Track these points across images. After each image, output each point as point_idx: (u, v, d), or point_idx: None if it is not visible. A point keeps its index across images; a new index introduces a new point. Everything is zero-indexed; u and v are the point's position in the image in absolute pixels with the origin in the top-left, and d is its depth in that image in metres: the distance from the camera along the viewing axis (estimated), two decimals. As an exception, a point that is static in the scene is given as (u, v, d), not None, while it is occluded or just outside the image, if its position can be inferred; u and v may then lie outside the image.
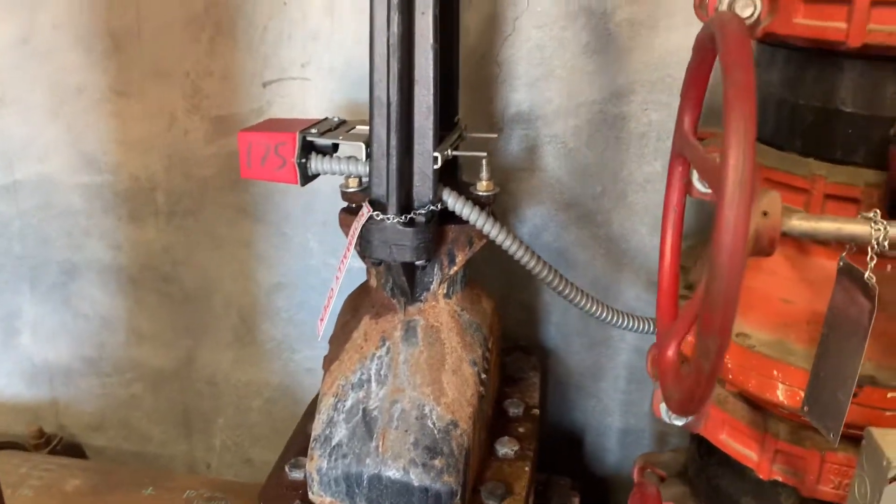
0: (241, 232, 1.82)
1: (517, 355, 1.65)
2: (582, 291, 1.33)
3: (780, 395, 1.05)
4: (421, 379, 1.24)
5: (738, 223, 0.66)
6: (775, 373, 1.05)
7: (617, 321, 1.38)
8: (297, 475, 1.31)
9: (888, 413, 0.99)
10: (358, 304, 1.35)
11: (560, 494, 1.52)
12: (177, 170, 1.78)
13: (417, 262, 1.19)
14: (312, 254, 1.80)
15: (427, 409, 1.22)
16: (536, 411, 1.50)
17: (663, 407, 1.25)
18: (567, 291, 1.31)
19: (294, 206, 1.76)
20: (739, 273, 0.67)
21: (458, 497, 1.18)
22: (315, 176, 1.26)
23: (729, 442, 1.20)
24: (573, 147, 1.60)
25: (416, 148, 1.16)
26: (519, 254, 1.25)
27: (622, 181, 1.61)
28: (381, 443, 1.20)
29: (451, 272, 1.28)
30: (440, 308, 1.29)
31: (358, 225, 1.16)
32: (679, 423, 1.23)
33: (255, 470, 2.05)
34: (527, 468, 1.34)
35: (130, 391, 2.03)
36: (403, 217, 1.15)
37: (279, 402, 1.97)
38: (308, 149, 1.22)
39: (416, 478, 1.17)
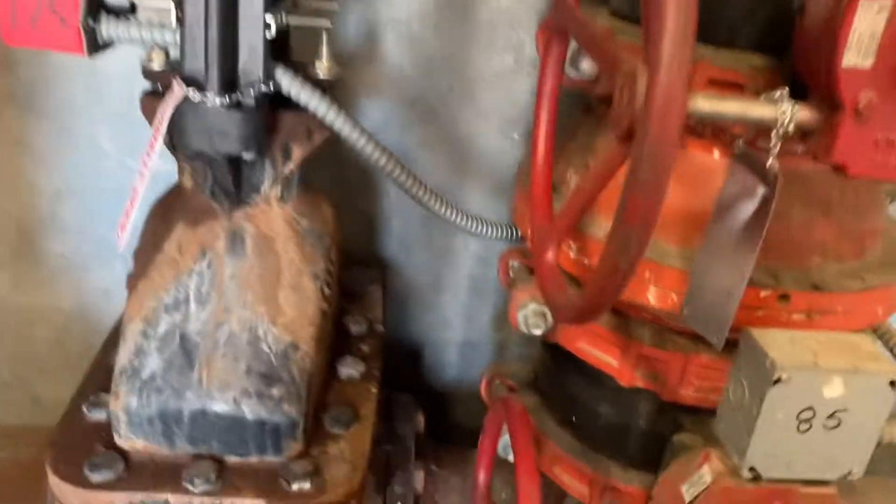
0: (9, 126, 1.47)
1: (356, 269, 1.49)
2: (432, 191, 1.19)
3: (652, 298, 0.98)
4: (252, 296, 1.05)
5: (676, 93, 0.54)
6: (647, 274, 0.97)
7: (466, 223, 1.26)
8: (98, 415, 1.09)
9: (760, 313, 0.95)
10: (169, 210, 1.12)
11: (404, 412, 1.41)
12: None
13: (245, 156, 0.98)
14: (105, 153, 1.51)
15: (261, 331, 1.03)
16: (380, 328, 1.36)
17: (523, 315, 1.15)
18: (416, 190, 1.16)
19: (79, 92, 1.45)
20: (673, 153, 0.55)
21: (300, 428, 1.03)
22: (107, 45, 0.99)
23: (588, 349, 1.13)
24: (418, 35, 1.42)
25: (242, 11, 0.93)
26: (366, 148, 1.08)
27: (470, 77, 1.46)
28: (204, 373, 1.01)
29: (287, 171, 1.08)
30: (273, 214, 1.10)
31: (167, 108, 0.93)
32: (538, 331, 1.15)
33: (45, 410, 1.75)
34: (373, 389, 1.20)
35: None
36: (227, 97, 0.93)
37: (71, 331, 1.68)
38: (97, 7, 0.95)
39: (250, 410, 1.00)
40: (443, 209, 1.21)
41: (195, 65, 0.94)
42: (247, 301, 1.04)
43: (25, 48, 0.98)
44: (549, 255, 0.83)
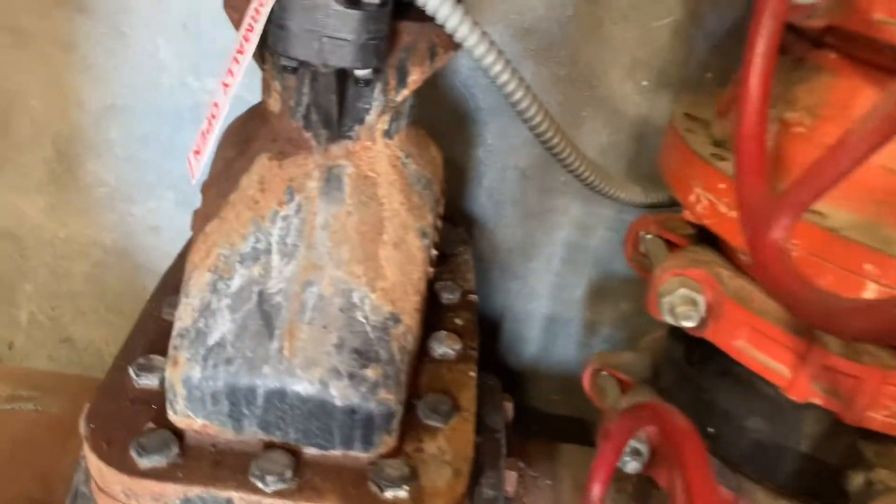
0: (57, 26, 1.26)
1: (444, 226, 1.27)
2: (571, 142, 0.97)
3: (870, 297, 0.76)
4: (349, 253, 0.84)
5: None
6: (868, 267, 0.75)
7: (607, 187, 1.04)
8: (148, 382, 0.89)
9: None
10: (248, 138, 0.91)
11: (492, 399, 1.20)
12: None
13: (359, 72, 0.76)
14: (164, 67, 1.29)
15: (356, 297, 0.83)
16: (474, 297, 1.15)
17: (668, 302, 0.94)
18: (553, 137, 0.94)
19: (139, -7, 1.23)
20: None
21: (397, 419, 0.83)
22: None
23: (749, 351, 0.91)
24: (542, -51, 1.19)
25: None
26: (502, 77, 0.85)
27: (600, 4, 1.22)
28: (286, 343, 0.80)
29: (399, 98, 0.86)
30: (377, 151, 0.88)
31: (266, 1, 0.70)
32: (688, 323, 0.94)
33: (78, 352, 1.58)
34: (471, 373, 1.00)
35: None
36: (346, -9, 0.70)
37: (112, 269, 1.49)
38: None
39: (340, 394, 0.80)
40: (580, 165, 0.98)
41: (306, -54, 0.72)
42: (342, 258, 0.83)
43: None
44: (777, 234, 0.62)
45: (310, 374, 0.80)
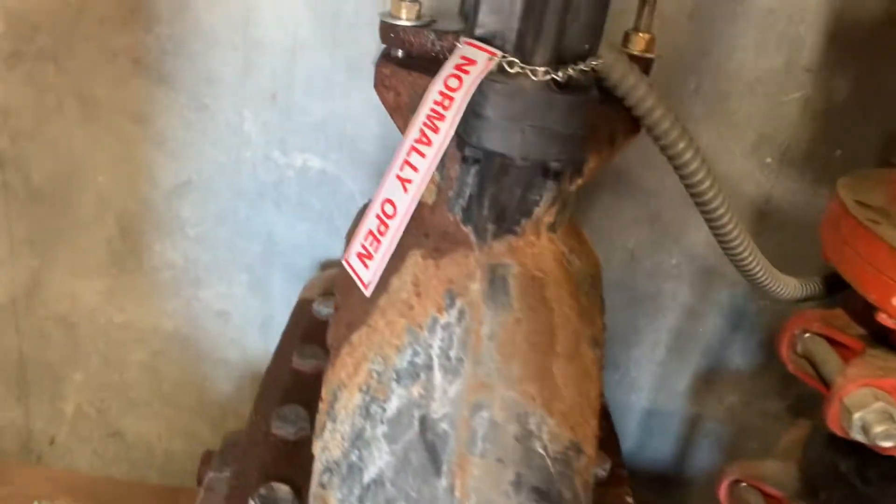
0: (131, 95, 1.16)
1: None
2: (743, 231, 0.86)
3: None
4: (520, 369, 0.71)
5: None
6: None
7: (778, 288, 0.93)
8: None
9: None
10: (391, 229, 0.79)
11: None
12: (29, -18, 1.08)
13: (555, 164, 0.65)
14: (247, 141, 1.19)
15: (533, 423, 0.70)
16: (605, 400, 1.03)
17: (860, 418, 0.82)
18: (730, 227, 0.83)
19: (225, 61, 1.13)
20: None
21: (581, 571, 0.69)
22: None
23: (962, 476, 0.80)
24: (669, 17, 1.10)
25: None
26: (691, 164, 0.75)
27: (724, 78, 1.13)
28: (457, 481, 0.67)
29: (573, 188, 0.75)
30: (542, 247, 0.76)
31: (473, 78, 0.60)
32: (887, 443, 0.82)
33: (126, 448, 1.43)
34: (629, 498, 0.87)
35: (-72, 330, 1.33)
36: (559, 74, 0.60)
37: (171, 357, 1.36)
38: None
39: (520, 544, 0.67)
40: (752, 259, 0.87)
41: (503, 21, 0.62)
42: (513, 375, 0.71)
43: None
44: None
45: (486, 518, 0.67)
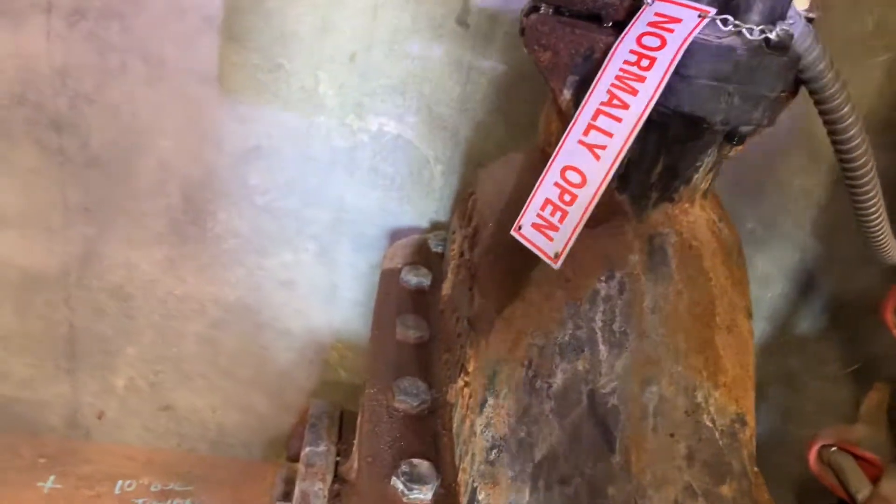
0: (202, 56, 1.09)
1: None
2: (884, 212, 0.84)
3: None
4: (685, 342, 0.69)
5: None
6: None
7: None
8: (419, 496, 0.73)
9: None
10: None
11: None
12: (95, -68, 1.01)
13: (745, 128, 0.62)
14: (322, 104, 1.13)
15: (700, 396, 0.69)
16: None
17: None
18: (875, 208, 0.81)
19: (302, 19, 1.07)
20: None
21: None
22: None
23: None
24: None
25: None
26: (852, 133, 0.72)
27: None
28: (633, 457, 0.66)
29: (732, 153, 0.72)
30: (696, 215, 0.74)
31: (678, 37, 0.56)
32: None
33: (177, 421, 1.39)
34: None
35: (-26, 302, 1.27)
36: (774, 33, 0.56)
37: (230, 328, 1.32)
38: None
39: (696, 519, 0.65)
40: (878, 221, 0.86)
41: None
42: (679, 348, 0.69)
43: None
44: None
45: (663, 494, 0.65)
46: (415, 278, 1.05)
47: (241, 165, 1.17)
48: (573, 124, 0.62)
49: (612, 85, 0.60)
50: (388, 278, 1.07)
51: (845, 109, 0.71)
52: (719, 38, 0.57)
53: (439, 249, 1.13)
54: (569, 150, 0.62)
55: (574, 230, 0.60)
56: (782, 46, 0.57)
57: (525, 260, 0.72)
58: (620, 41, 0.60)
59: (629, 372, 0.68)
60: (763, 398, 1.43)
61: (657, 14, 0.59)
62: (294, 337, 1.33)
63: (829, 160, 1.20)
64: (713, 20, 0.57)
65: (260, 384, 1.37)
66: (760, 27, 0.56)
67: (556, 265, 0.61)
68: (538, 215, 0.63)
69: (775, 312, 1.33)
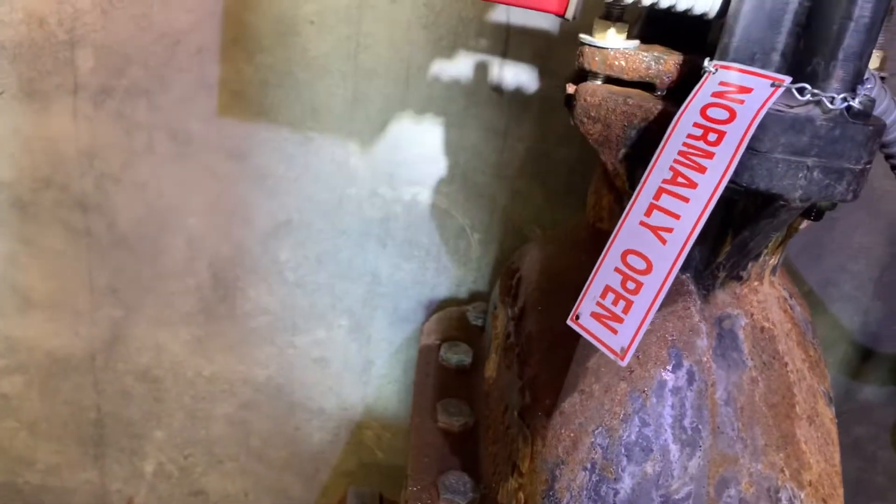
0: (228, 130, 1.07)
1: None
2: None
3: None
4: (764, 437, 0.62)
5: None
6: None
7: None
8: None
9: None
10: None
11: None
12: (127, 11, 0.99)
13: (825, 203, 0.57)
14: (353, 175, 1.10)
15: (784, 498, 0.61)
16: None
17: None
18: None
19: (333, 91, 1.04)
20: None
21: None
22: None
23: None
24: None
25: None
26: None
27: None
28: (715, 573, 0.58)
29: (803, 225, 0.67)
30: (766, 294, 0.68)
31: (749, 109, 0.51)
32: None
33: (212, 510, 1.33)
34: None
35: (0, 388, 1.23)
36: (856, 101, 0.51)
37: (262, 409, 1.26)
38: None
39: None
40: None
41: (768, 38, 0.53)
42: (757, 444, 0.62)
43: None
44: None
45: None
46: (455, 356, 0.99)
47: (271, 241, 1.13)
48: (632, 204, 0.57)
49: (676, 161, 0.54)
50: (427, 356, 1.01)
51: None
52: (794, 107, 0.51)
53: (479, 322, 1.07)
54: (629, 233, 0.56)
55: (642, 323, 0.54)
56: (865, 114, 0.52)
57: (582, 349, 0.66)
58: (682, 113, 0.55)
59: (704, 473, 0.61)
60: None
61: (722, 83, 0.54)
62: (328, 416, 1.27)
63: (889, 216, 1.13)
64: (788, 89, 0.51)
65: (293, 466, 1.31)
66: (842, 95, 0.50)
67: (623, 362, 0.55)
68: (598, 304, 0.57)
69: (837, 379, 1.25)
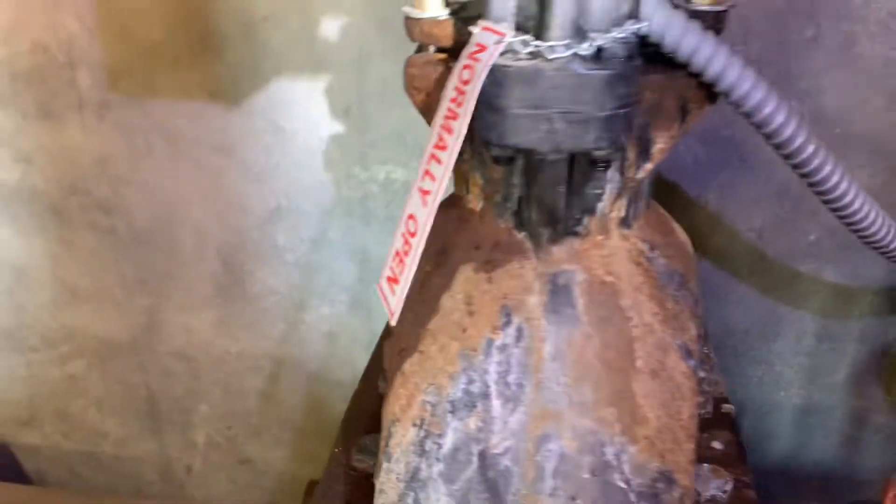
0: (210, 126, 1.16)
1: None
2: (874, 207, 0.70)
3: None
4: (593, 391, 0.62)
5: None
6: None
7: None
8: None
9: None
10: (444, 244, 0.72)
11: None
12: (109, 30, 1.11)
13: (599, 153, 0.55)
14: (329, 159, 1.16)
15: (611, 453, 0.61)
16: (730, 408, 0.90)
17: None
18: (864, 211, 0.68)
19: (295, 81, 1.10)
20: None
21: None
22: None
23: None
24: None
25: None
26: (798, 140, 0.62)
27: (850, 17, 0.96)
28: (524, 525, 0.59)
29: (641, 174, 0.64)
30: (613, 247, 0.66)
31: (482, 66, 0.51)
32: None
33: (258, 474, 1.46)
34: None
35: (67, 370, 1.41)
36: (585, 45, 0.50)
37: (283, 381, 1.36)
38: None
39: None
40: (887, 234, 0.72)
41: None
42: (585, 399, 0.61)
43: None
44: None
45: (561, 569, 0.58)
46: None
47: (267, 226, 1.22)
48: (420, 170, 0.58)
49: (441, 126, 0.55)
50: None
51: (767, 109, 0.60)
52: (522, 61, 0.51)
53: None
54: (412, 197, 0.58)
55: (406, 282, 0.56)
56: (609, 59, 0.50)
57: (426, 308, 0.68)
58: (450, 79, 0.56)
59: (525, 428, 0.61)
60: (874, 430, 1.24)
61: (477, 44, 0.54)
62: (346, 387, 1.34)
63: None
64: (518, 43, 0.51)
65: (323, 436, 1.40)
66: (565, 43, 0.49)
67: (393, 321, 0.57)
68: (390, 268, 0.59)
69: (866, 332, 1.15)
